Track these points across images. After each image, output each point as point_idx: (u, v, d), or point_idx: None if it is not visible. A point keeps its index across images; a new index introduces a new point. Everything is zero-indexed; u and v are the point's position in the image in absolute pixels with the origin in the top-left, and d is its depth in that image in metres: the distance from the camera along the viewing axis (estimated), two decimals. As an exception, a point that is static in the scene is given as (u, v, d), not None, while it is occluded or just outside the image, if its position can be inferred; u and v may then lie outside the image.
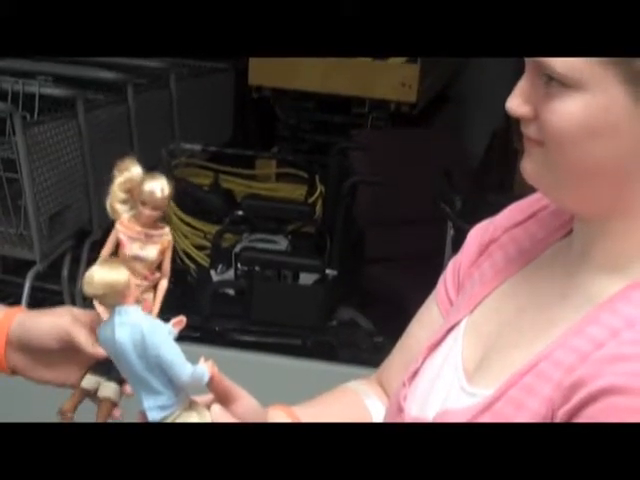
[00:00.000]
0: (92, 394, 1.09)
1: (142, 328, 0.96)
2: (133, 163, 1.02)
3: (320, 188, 3.84)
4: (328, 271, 3.19)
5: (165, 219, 1.05)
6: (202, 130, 4.09)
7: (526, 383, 0.94)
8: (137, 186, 1.01)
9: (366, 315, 3.32)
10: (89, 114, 3.24)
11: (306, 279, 3.23)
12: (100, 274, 0.95)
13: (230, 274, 3.33)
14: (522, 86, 0.95)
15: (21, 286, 3.05)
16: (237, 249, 3.36)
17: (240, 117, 4.48)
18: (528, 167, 0.97)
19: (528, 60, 0.94)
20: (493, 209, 1.18)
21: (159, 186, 1.00)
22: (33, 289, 3.07)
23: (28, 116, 3.07)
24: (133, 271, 1.00)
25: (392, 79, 4.03)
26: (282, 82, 4.18)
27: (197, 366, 0.97)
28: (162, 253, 1.03)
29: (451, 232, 3.02)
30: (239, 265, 3.26)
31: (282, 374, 2.76)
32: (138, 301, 1.00)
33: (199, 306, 3.17)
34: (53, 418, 1.06)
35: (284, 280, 3.22)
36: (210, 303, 3.17)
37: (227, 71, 4.34)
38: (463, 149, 4.05)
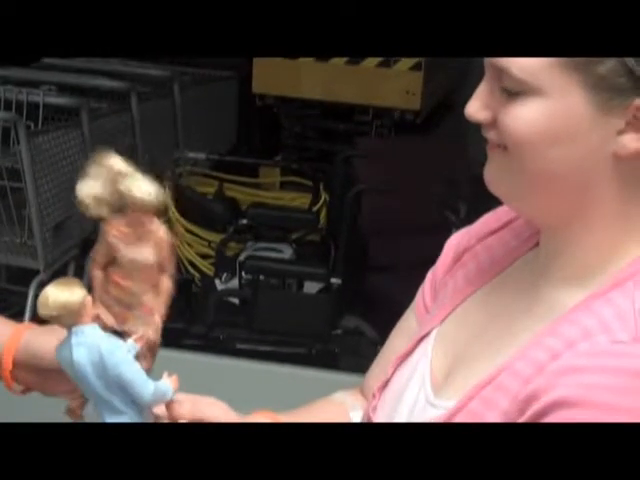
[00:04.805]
0: None
1: (100, 348, 0.94)
2: (114, 156, 0.94)
3: (324, 196, 3.83)
4: (333, 279, 3.18)
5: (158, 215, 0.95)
6: (206, 138, 4.08)
7: (485, 396, 0.93)
8: (122, 185, 0.93)
9: (371, 323, 3.31)
10: (93, 123, 3.23)
11: (310, 287, 3.22)
12: (54, 295, 0.93)
13: (234, 283, 3.33)
14: (481, 91, 0.93)
15: (25, 295, 3.04)
16: (241, 257, 3.36)
17: (244, 125, 4.47)
18: (488, 172, 0.95)
19: (487, 65, 0.92)
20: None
21: (149, 191, 0.93)
22: (36, 298, 3.06)
23: (32, 125, 3.06)
24: (132, 276, 0.96)
25: (396, 87, 4.03)
26: (286, 90, 4.18)
27: (159, 382, 0.96)
28: (160, 250, 0.96)
29: (456, 240, 3.00)
30: (243, 274, 3.26)
31: (286, 383, 2.75)
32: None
33: (203, 315, 3.16)
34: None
35: (288, 289, 3.21)
36: (214, 312, 3.16)
37: (231, 79, 4.33)
38: (467, 156, 4.04)
